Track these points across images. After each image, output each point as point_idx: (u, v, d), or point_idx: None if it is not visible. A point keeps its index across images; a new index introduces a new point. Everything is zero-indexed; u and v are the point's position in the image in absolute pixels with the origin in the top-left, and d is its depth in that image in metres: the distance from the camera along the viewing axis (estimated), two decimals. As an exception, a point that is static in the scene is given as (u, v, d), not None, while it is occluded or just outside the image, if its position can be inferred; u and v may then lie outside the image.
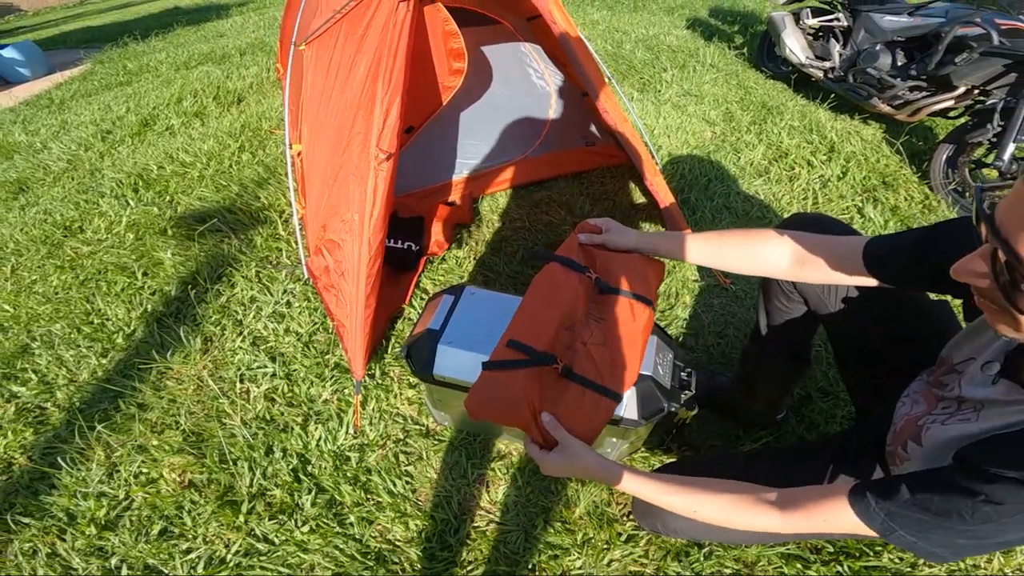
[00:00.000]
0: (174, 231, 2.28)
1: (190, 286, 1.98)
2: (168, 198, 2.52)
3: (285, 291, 1.94)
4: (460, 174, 2.40)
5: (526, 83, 2.44)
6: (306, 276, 1.90)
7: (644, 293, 1.06)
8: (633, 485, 0.87)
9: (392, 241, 1.95)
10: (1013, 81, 2.58)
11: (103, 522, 1.33)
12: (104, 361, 1.74)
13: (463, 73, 1.82)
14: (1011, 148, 2.36)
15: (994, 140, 2.44)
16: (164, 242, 2.22)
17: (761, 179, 2.56)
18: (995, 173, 2.46)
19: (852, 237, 0.94)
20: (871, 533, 0.73)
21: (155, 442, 1.49)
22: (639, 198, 2.41)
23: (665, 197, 1.91)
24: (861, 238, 0.92)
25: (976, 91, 2.74)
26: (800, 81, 3.62)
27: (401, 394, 1.60)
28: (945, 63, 2.68)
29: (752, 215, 2.32)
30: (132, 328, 1.85)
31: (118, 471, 1.43)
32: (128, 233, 2.29)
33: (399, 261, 1.95)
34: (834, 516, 0.75)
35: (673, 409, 1.11)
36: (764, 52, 3.98)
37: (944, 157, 2.58)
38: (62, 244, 2.27)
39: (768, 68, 3.93)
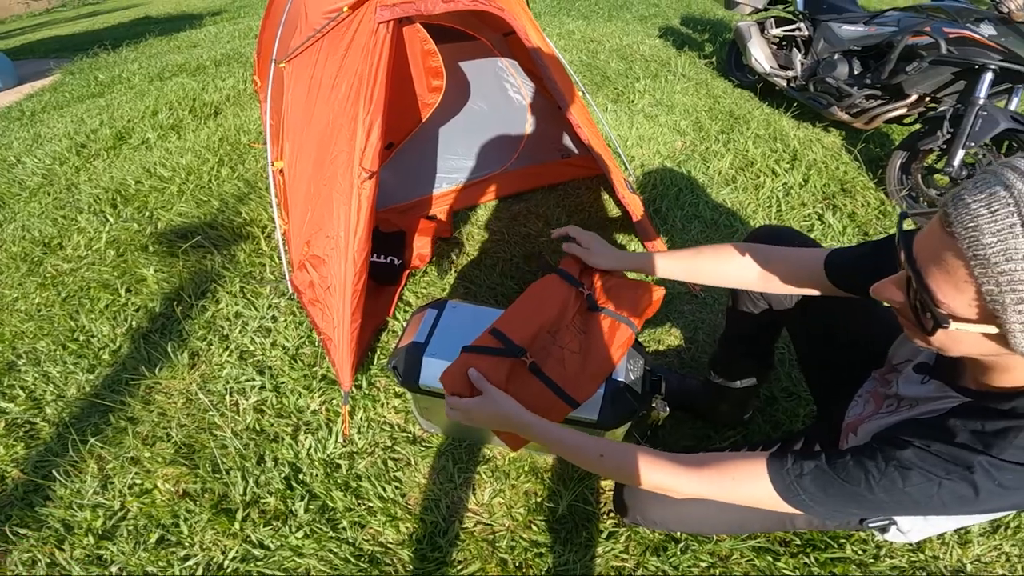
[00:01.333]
0: (156, 247, 2.30)
1: (175, 302, 2.01)
2: (148, 214, 2.53)
3: (270, 306, 1.98)
4: (440, 188, 2.46)
5: (503, 98, 2.50)
6: (290, 291, 1.94)
7: (629, 316, 1.17)
8: (553, 431, 0.95)
9: (375, 256, 2.00)
10: (961, 89, 2.68)
11: (100, 532, 1.37)
12: (91, 377, 1.76)
13: (442, 90, 1.88)
14: (960, 154, 2.46)
15: (944, 147, 2.54)
16: (146, 259, 2.23)
17: (729, 188, 2.67)
18: (946, 179, 2.57)
19: (813, 249, 1.02)
20: (771, 500, 0.78)
21: (147, 454, 1.53)
22: (613, 209, 2.50)
23: (636, 210, 2.00)
24: (822, 250, 1.00)
25: (927, 99, 2.84)
26: (766, 90, 3.74)
27: (388, 403, 1.66)
28: (897, 72, 2.78)
29: (720, 224, 2.42)
30: (118, 344, 1.87)
31: (112, 482, 1.47)
32: (109, 250, 2.30)
33: (382, 275, 2.00)
34: (744, 477, 0.81)
35: (644, 412, 1.19)
36: (732, 61, 4.06)
37: (898, 164, 2.69)
38: (42, 261, 2.27)
39: (736, 77, 4.03)
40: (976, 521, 1.29)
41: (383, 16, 1.55)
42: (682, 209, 2.49)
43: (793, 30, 3.54)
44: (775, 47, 3.70)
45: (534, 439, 0.98)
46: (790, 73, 3.49)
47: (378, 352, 1.81)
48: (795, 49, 3.53)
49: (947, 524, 1.02)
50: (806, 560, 1.29)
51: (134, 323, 1.95)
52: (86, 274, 2.18)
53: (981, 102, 2.48)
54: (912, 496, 0.70)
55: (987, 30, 2.54)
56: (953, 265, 0.57)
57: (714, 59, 4.41)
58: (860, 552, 1.31)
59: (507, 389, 1.03)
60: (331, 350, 1.63)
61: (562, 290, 1.17)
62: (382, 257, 2.03)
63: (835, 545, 1.31)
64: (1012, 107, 2.57)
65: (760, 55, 3.61)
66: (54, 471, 1.48)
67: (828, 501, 0.76)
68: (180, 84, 4.19)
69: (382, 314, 1.92)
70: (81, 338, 1.90)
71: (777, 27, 3.64)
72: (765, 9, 3.79)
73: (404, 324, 1.46)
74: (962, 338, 0.62)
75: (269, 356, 1.81)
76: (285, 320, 1.92)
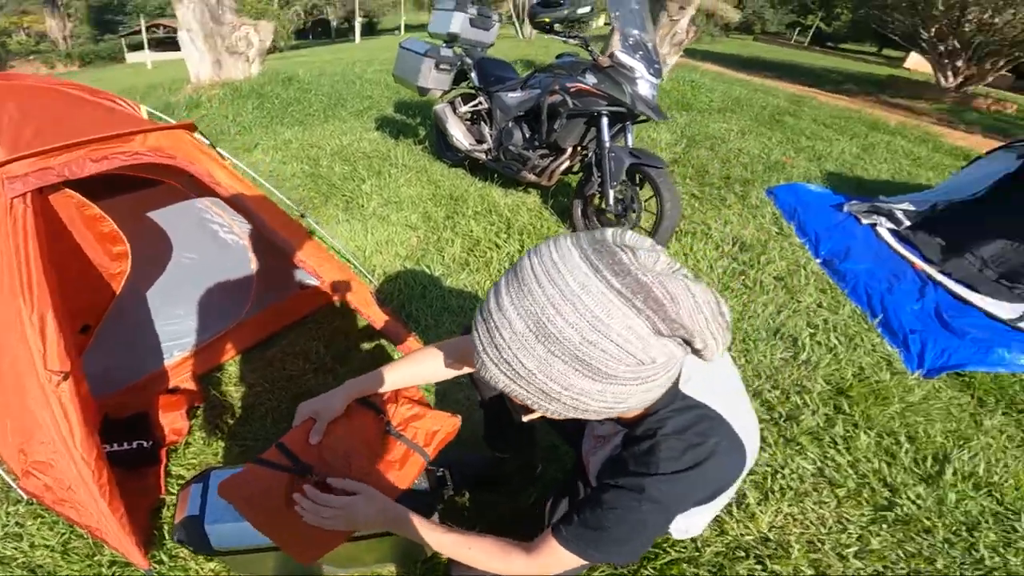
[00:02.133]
0: None
1: None
2: None
3: (8, 514, 1.73)
4: (172, 357, 2.13)
5: (215, 241, 2.30)
6: (26, 498, 1.70)
7: (424, 445, 1.28)
8: (431, 526, 1.02)
9: (115, 445, 1.81)
10: (594, 136, 3.00)
11: None
12: None
13: (128, 255, 1.73)
14: (612, 193, 2.83)
15: (600, 189, 2.91)
16: None
17: (465, 272, 2.85)
18: (612, 216, 2.93)
19: None
20: (582, 562, 0.88)
21: None
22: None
23: (378, 319, 2.07)
24: None
25: (580, 149, 3.21)
26: (473, 165, 3.97)
27: (204, 565, 1.58)
28: (551, 130, 3.08)
29: (466, 309, 2.56)
30: None
31: None
32: None
33: (133, 461, 1.81)
34: (555, 553, 0.89)
35: (440, 506, 1.34)
36: (440, 143, 4.22)
37: (579, 211, 3.15)
38: None
39: (447, 157, 4.20)
40: (723, 503, 1.23)
41: (16, 189, 1.34)
42: (431, 306, 2.59)
43: (477, 105, 3.75)
44: (469, 123, 3.86)
45: (410, 532, 1.03)
46: (485, 146, 3.69)
47: (165, 528, 1.69)
48: (483, 123, 3.73)
49: (704, 514, 1.14)
50: (645, 572, 1.45)
51: None
52: None
53: (607, 145, 2.82)
54: (636, 527, 0.82)
55: (591, 79, 2.86)
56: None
57: (426, 143, 4.66)
58: (683, 551, 1.48)
59: (287, 504, 1.06)
60: (107, 539, 1.47)
61: (360, 414, 1.22)
62: (124, 444, 1.82)
63: (662, 551, 1.49)
64: (629, 143, 2.95)
65: (458, 133, 3.79)
66: None
67: (606, 549, 0.85)
68: None
69: (153, 494, 1.78)
70: None
71: (465, 104, 3.83)
72: (452, 89, 3.95)
73: (175, 500, 1.41)
74: None
75: (33, 557, 1.61)
76: (35, 523, 1.70)
